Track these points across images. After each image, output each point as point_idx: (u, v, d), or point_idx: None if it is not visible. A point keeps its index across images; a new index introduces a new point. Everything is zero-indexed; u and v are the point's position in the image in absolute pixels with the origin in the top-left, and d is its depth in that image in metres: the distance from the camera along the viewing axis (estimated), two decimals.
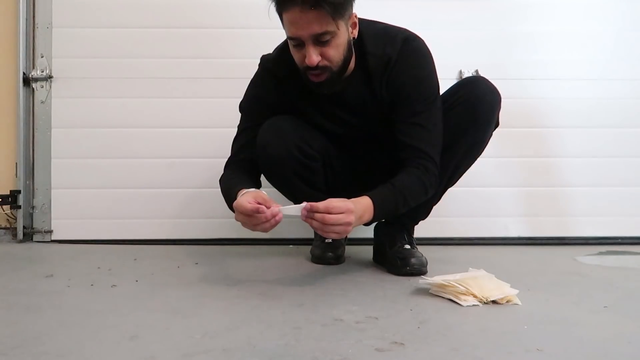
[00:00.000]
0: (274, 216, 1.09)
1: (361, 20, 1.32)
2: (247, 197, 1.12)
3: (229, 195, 1.25)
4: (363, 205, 1.18)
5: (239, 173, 1.34)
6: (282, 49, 1.34)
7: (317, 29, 1.15)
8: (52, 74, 1.99)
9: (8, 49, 1.99)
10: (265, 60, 1.40)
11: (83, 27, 2.00)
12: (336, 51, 1.21)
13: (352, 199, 1.17)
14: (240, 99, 1.43)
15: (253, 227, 1.12)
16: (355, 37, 1.28)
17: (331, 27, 1.16)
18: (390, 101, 1.33)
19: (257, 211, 1.08)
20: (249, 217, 1.11)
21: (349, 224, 1.11)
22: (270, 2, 1.20)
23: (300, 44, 1.19)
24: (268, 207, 1.10)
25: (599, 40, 2.06)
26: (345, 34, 1.22)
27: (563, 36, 2.06)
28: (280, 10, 1.19)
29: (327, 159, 1.41)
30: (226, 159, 1.41)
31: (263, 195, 1.14)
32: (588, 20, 2.06)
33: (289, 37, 1.22)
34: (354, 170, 1.48)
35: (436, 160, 1.29)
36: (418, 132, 1.29)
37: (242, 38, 1.99)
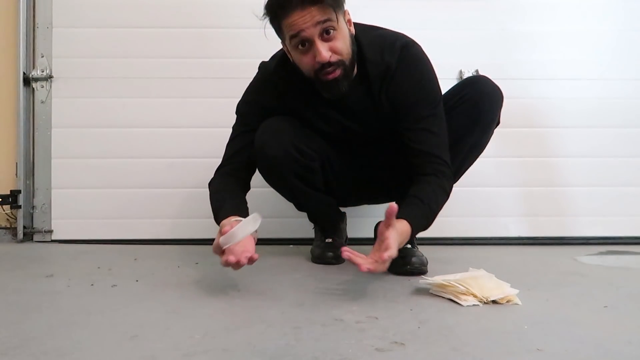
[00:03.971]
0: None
1: (357, 26, 1.32)
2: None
3: (216, 215, 1.27)
4: (403, 232, 1.13)
5: (227, 185, 1.34)
6: (281, 57, 1.35)
7: (320, 17, 1.15)
8: (52, 74, 2.00)
9: (8, 49, 1.99)
10: (264, 67, 1.40)
11: (83, 27, 2.00)
12: (343, 43, 1.21)
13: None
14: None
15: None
16: (353, 33, 1.28)
17: (333, 17, 1.17)
18: (391, 108, 1.32)
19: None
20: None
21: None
22: (265, 18, 1.21)
23: (305, 43, 1.19)
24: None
25: (599, 40, 2.06)
26: (345, 27, 1.23)
27: (563, 36, 2.06)
28: (279, 20, 1.19)
29: (326, 159, 1.41)
30: None
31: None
32: (588, 20, 2.06)
33: (292, 40, 1.19)
34: (354, 171, 1.48)
35: (448, 162, 1.29)
36: (427, 137, 1.28)
37: (242, 38, 1.99)
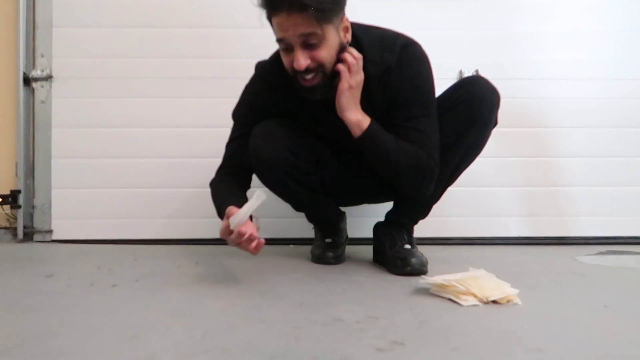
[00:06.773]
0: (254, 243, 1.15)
1: (357, 26, 1.31)
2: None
3: (218, 209, 1.30)
4: (362, 114, 1.27)
5: (227, 183, 1.38)
6: (277, 56, 1.35)
7: (303, 29, 1.15)
8: (52, 74, 2.00)
9: (8, 49, 1.99)
10: (260, 66, 1.41)
11: (83, 27, 2.00)
12: (327, 53, 1.21)
13: None
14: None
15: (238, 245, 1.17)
16: (349, 41, 1.27)
17: (318, 31, 1.16)
18: (385, 106, 1.32)
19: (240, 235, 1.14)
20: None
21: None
22: (262, 8, 1.21)
23: (288, 47, 1.20)
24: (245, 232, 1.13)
25: (599, 40, 2.07)
26: (335, 38, 1.21)
27: (563, 36, 2.06)
28: (269, 15, 1.20)
29: (322, 161, 1.41)
30: None
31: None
32: (588, 20, 2.06)
33: (278, 41, 1.22)
34: (349, 172, 1.48)
35: (437, 160, 1.29)
36: (416, 135, 1.28)
37: (242, 38, 1.99)
